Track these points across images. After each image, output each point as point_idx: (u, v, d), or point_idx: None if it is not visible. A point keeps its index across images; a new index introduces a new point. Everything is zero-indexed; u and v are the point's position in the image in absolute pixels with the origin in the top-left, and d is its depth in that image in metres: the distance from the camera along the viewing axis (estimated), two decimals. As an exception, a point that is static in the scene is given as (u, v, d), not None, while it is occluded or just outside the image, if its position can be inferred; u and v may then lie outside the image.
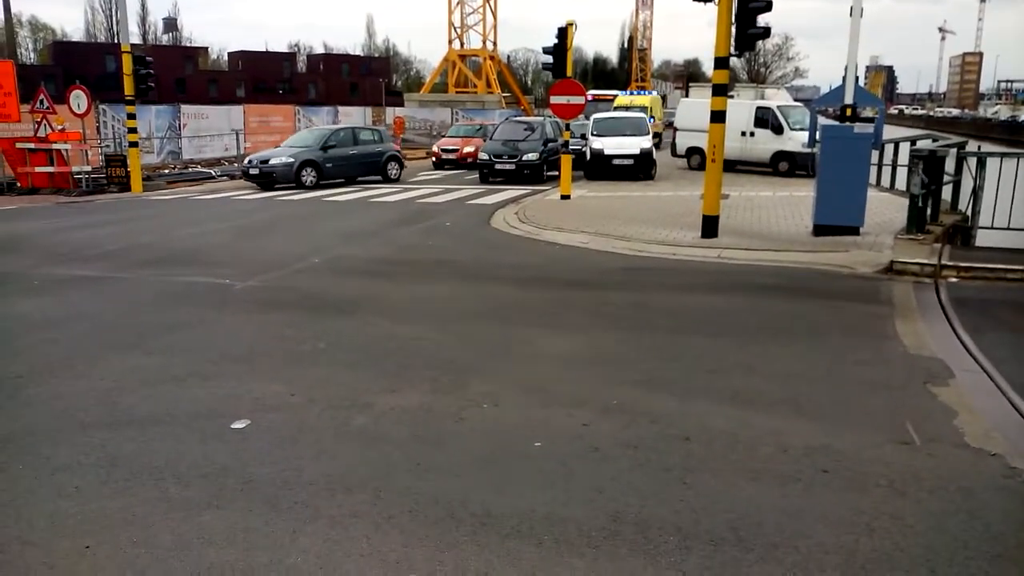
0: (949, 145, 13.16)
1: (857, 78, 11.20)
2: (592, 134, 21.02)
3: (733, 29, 10.54)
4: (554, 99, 16.20)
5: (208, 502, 3.72)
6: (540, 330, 6.77)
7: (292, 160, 19.76)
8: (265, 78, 63.36)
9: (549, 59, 16.74)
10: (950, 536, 3.38)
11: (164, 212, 15.93)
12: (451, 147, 26.47)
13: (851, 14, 10.64)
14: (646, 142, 20.48)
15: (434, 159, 26.75)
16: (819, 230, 10.94)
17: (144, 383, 5.40)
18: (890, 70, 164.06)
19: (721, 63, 10.84)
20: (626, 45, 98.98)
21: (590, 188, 18.28)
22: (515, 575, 3.13)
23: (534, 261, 10.18)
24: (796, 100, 34.42)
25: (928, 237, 10.32)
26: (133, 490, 3.85)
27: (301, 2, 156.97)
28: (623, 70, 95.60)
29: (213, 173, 24.18)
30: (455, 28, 63.10)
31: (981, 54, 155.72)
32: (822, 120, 12.49)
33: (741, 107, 21.25)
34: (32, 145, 18.99)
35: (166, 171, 25.06)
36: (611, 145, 20.29)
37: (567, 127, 16.66)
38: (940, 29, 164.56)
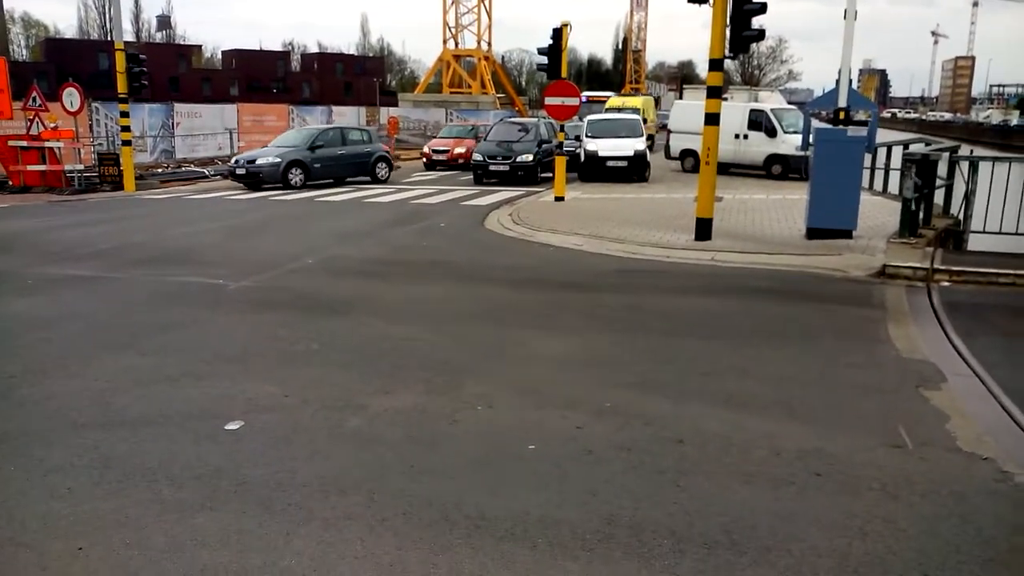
0: (942, 149, 13.23)
1: (851, 81, 11.25)
2: (586, 136, 21.03)
3: (728, 31, 10.56)
4: (548, 100, 16.19)
5: (202, 504, 3.71)
6: (534, 332, 6.78)
7: (279, 160, 19.54)
8: (259, 77, 63.21)
9: (544, 60, 16.73)
10: (942, 540, 3.40)
11: (157, 211, 15.88)
12: (442, 148, 26.31)
13: (845, 17, 10.69)
14: (640, 144, 20.50)
15: (425, 160, 26.62)
16: (812, 233, 10.98)
17: (137, 383, 5.38)
18: (883, 73, 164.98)
19: (716, 65, 10.86)
20: (620, 46, 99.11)
21: (584, 190, 18.30)
22: (509, 578, 3.13)
23: (528, 263, 10.19)
24: (790, 103, 34.45)
25: (921, 241, 10.36)
26: (126, 491, 3.84)
27: (295, 1, 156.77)
28: (617, 71, 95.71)
29: (206, 172, 24.12)
30: (450, 28, 63.08)
31: (973, 58, 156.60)
32: (815, 123, 12.52)
33: (735, 110, 21.28)
34: (24, 143, 18.91)
35: (159, 170, 24.99)
36: (605, 147, 20.29)
37: (561, 128, 16.67)
38: (933, 33, 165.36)
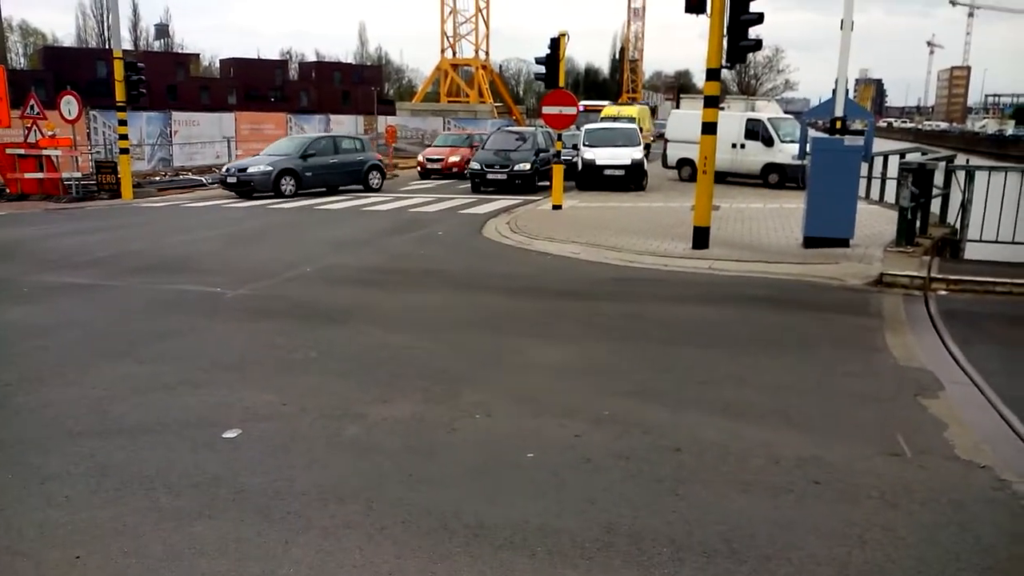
0: (938, 158, 13.27)
1: (847, 91, 11.30)
2: (584, 144, 21.10)
3: (725, 41, 10.61)
4: (546, 109, 16.23)
5: (199, 512, 3.70)
6: (532, 340, 6.78)
7: (270, 168, 19.43)
8: (257, 85, 63.38)
9: (541, 69, 16.78)
10: (941, 548, 3.40)
11: (155, 219, 15.88)
12: (436, 156, 26.29)
13: (841, 27, 10.74)
14: (638, 153, 20.56)
15: (419, 169, 26.59)
16: (809, 242, 11.00)
17: (135, 391, 5.37)
18: (879, 83, 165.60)
19: (713, 75, 10.90)
20: (618, 56, 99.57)
21: (581, 198, 18.33)
22: (508, 586, 3.13)
23: (526, 271, 10.19)
24: (786, 112, 34.64)
25: (917, 250, 10.39)
26: (124, 499, 3.82)
27: (293, 9, 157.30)
28: (615, 81, 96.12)
29: (204, 180, 24.13)
30: (447, 37, 63.31)
31: (969, 68, 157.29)
32: (812, 132, 12.57)
33: (732, 119, 21.38)
34: (22, 151, 18.92)
35: (157, 178, 25.02)
36: (603, 156, 20.34)
37: (559, 137, 16.71)
38: (929, 43, 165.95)
